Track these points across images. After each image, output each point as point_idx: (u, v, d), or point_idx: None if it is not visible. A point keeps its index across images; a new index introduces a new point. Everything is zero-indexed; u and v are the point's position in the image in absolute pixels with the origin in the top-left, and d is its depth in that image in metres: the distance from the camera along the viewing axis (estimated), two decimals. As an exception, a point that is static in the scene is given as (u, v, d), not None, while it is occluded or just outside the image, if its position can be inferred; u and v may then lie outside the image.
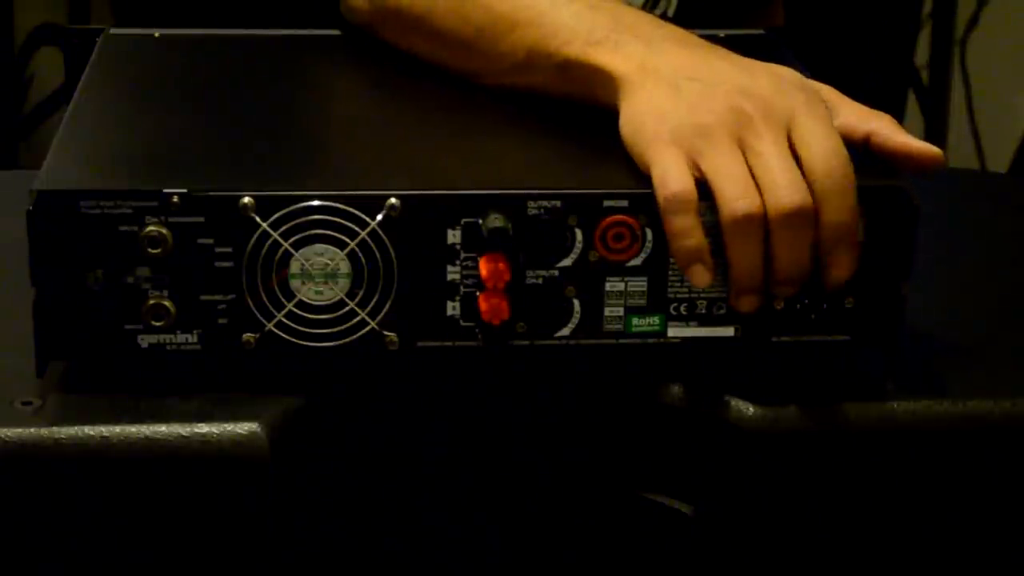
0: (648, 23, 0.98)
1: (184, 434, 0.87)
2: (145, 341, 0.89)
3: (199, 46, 1.14)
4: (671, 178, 0.89)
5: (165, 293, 0.89)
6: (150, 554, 0.89)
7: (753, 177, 0.89)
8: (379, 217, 0.89)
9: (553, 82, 1.00)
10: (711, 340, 0.93)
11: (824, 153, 0.89)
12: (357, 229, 0.89)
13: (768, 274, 0.90)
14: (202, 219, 0.88)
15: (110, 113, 1.02)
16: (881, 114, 0.94)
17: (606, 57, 0.96)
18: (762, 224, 0.88)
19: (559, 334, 0.92)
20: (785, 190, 0.88)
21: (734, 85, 0.91)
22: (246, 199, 0.88)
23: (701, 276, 0.89)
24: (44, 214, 0.87)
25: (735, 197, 0.88)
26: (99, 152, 0.95)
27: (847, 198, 0.89)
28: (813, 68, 1.10)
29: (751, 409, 0.91)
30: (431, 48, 1.07)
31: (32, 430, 0.86)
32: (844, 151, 0.89)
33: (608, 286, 0.91)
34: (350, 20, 1.14)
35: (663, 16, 1.29)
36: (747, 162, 0.89)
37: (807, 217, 0.88)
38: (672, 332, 0.93)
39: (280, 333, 0.90)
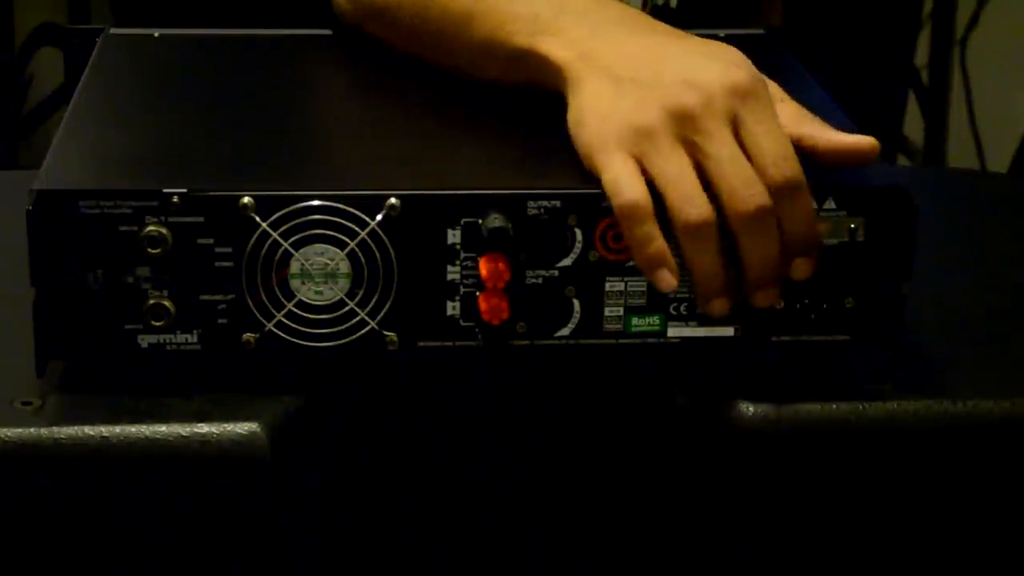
0: (594, 6, 0.97)
1: (184, 434, 0.87)
2: (145, 341, 0.89)
3: (199, 46, 1.14)
4: (624, 186, 0.88)
5: (165, 293, 0.89)
6: (150, 554, 0.89)
7: (705, 178, 0.88)
8: (379, 217, 0.89)
9: (508, 72, 0.99)
10: (711, 340, 0.93)
11: (774, 156, 0.88)
12: (357, 229, 0.89)
13: (742, 280, 0.89)
14: (202, 219, 0.88)
15: (110, 113, 1.02)
16: (812, 116, 0.93)
17: (549, 45, 0.95)
18: (715, 227, 0.87)
19: (559, 334, 0.92)
20: (742, 192, 0.87)
21: (676, 78, 0.90)
22: (246, 199, 0.88)
23: (667, 280, 0.88)
24: (44, 214, 0.87)
25: (684, 204, 0.87)
26: (99, 152, 0.95)
27: (801, 200, 0.88)
28: (813, 68, 1.10)
29: (751, 409, 0.91)
30: (405, 44, 1.08)
31: (32, 430, 0.86)
32: (792, 152, 0.88)
33: (608, 286, 0.91)
34: (340, 19, 1.15)
35: (665, 7, 1.29)
36: (698, 162, 0.88)
37: (769, 217, 0.87)
38: (672, 332, 0.93)
39: (280, 333, 0.90)
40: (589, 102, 0.92)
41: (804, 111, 0.93)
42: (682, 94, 0.89)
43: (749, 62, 0.92)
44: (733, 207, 0.87)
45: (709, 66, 0.91)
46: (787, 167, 0.88)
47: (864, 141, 0.91)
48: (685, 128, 0.88)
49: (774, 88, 0.93)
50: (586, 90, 0.92)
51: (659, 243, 0.88)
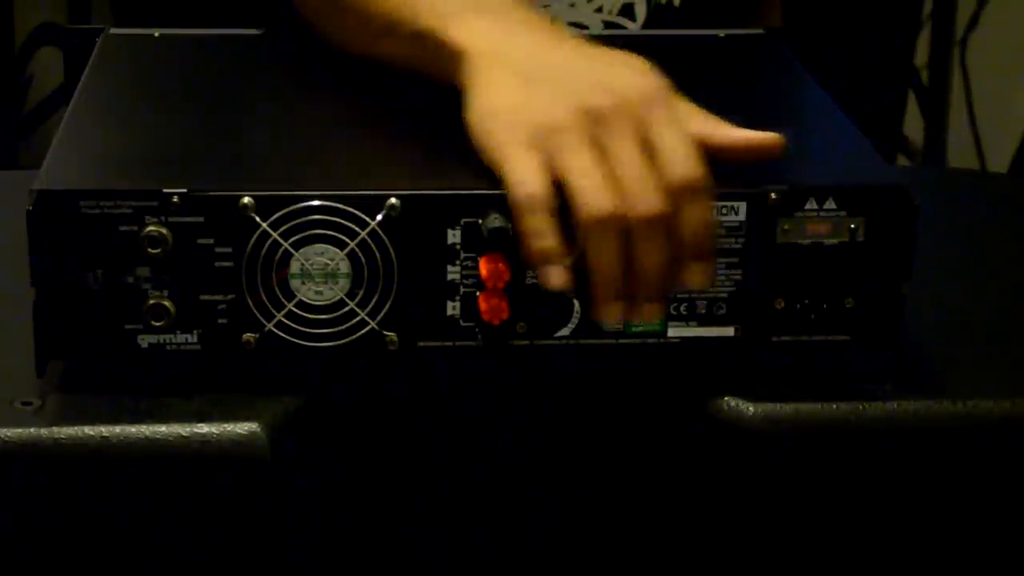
0: (508, 5, 0.97)
1: (184, 434, 0.87)
2: (145, 341, 0.89)
3: (199, 46, 1.14)
4: (527, 179, 0.88)
5: (165, 293, 0.89)
6: (150, 554, 0.89)
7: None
8: (379, 217, 0.89)
9: (408, 53, 0.99)
10: (711, 340, 0.93)
11: (678, 158, 0.88)
12: (357, 229, 0.89)
13: (631, 289, 0.89)
14: (202, 219, 0.88)
15: (110, 113, 1.02)
16: (714, 117, 0.93)
17: (456, 31, 0.95)
18: (620, 227, 0.87)
19: (559, 334, 0.92)
20: (640, 196, 0.87)
21: (588, 80, 0.90)
22: (246, 199, 0.88)
23: (555, 278, 0.88)
24: (44, 214, 0.87)
25: (591, 199, 0.87)
26: (99, 152, 0.95)
27: (701, 203, 0.88)
28: (813, 68, 1.10)
29: (751, 409, 0.91)
30: (312, 10, 1.08)
31: (32, 430, 0.86)
32: (697, 155, 0.88)
33: (608, 286, 0.91)
34: None
35: (669, 5, 1.29)
36: (602, 161, 0.88)
37: (664, 222, 0.87)
38: (672, 332, 0.93)
39: (280, 333, 0.90)
40: (498, 99, 0.91)
41: (707, 113, 0.93)
42: (595, 95, 0.89)
43: (656, 70, 0.92)
44: (631, 209, 0.87)
45: (621, 72, 0.91)
46: (690, 166, 0.88)
47: (768, 137, 0.91)
48: (594, 128, 0.88)
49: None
50: (494, 85, 0.92)
51: (553, 239, 0.87)
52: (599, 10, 1.30)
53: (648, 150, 0.88)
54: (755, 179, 0.91)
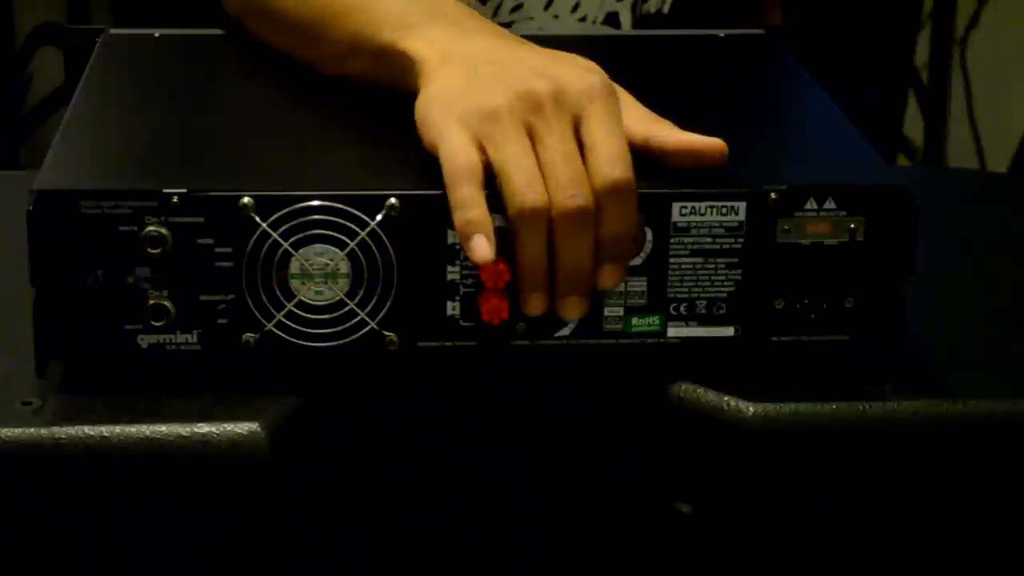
0: (463, 13, 0.99)
1: (184, 434, 0.87)
2: (145, 341, 0.89)
3: (199, 46, 1.14)
4: (458, 151, 0.88)
5: (165, 293, 0.89)
6: (150, 554, 0.89)
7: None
8: (379, 217, 0.89)
9: (373, 69, 1.01)
10: (711, 340, 0.93)
11: (608, 158, 0.87)
12: (357, 229, 0.89)
13: (553, 283, 0.89)
14: (202, 219, 0.88)
15: (110, 113, 1.02)
16: (662, 119, 0.93)
17: (412, 42, 0.97)
18: (548, 218, 0.87)
19: (559, 334, 0.92)
20: (568, 190, 0.87)
21: (530, 67, 0.91)
22: (246, 199, 0.88)
23: (482, 249, 0.87)
24: (44, 214, 0.87)
25: (522, 189, 0.87)
26: (99, 152, 0.95)
27: (624, 208, 0.88)
28: (813, 68, 1.10)
29: (751, 409, 0.91)
30: (278, 35, 1.09)
31: (32, 430, 0.86)
32: (628, 157, 0.88)
33: (608, 286, 0.91)
34: (225, 14, 1.15)
35: (659, 14, 1.29)
36: (534, 150, 0.88)
37: (588, 218, 0.87)
38: (672, 332, 0.93)
39: (280, 333, 0.90)
40: (440, 87, 0.92)
41: (654, 115, 0.93)
42: (533, 81, 0.89)
43: (603, 72, 0.92)
44: (556, 202, 0.87)
45: (565, 67, 0.91)
46: (619, 168, 0.87)
47: (713, 143, 0.91)
48: (529, 113, 0.89)
49: (624, 94, 0.94)
50: (441, 79, 0.93)
51: (480, 209, 0.87)
52: (583, 20, 1.30)
53: (581, 145, 0.88)
54: (755, 179, 0.91)
